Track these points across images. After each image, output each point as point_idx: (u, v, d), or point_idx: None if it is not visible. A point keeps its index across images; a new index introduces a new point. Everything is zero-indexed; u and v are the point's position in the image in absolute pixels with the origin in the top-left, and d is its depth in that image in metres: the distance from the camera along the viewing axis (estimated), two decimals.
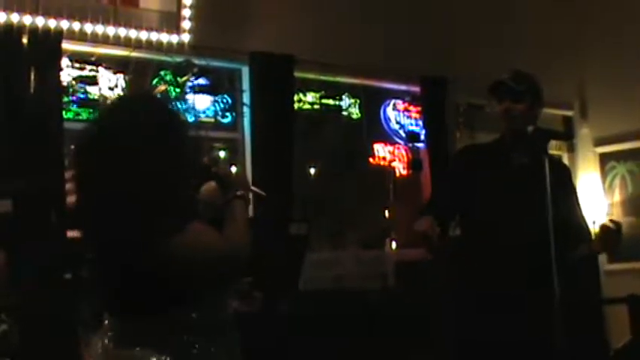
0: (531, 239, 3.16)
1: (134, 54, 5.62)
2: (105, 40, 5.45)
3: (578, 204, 3.51)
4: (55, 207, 4.92)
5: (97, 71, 5.65)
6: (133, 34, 5.53)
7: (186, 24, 5.73)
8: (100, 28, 5.39)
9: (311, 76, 6.53)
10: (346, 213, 6.76)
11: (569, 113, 7.97)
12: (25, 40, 5.08)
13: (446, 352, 3.67)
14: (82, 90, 5.61)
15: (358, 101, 6.98)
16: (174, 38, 5.69)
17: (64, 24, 5.22)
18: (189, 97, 5.97)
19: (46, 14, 5.15)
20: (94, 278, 2.24)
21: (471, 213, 3.40)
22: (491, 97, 3.43)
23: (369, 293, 5.00)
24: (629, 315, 5.97)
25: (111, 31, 5.44)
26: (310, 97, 6.73)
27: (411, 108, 7.15)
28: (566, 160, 7.48)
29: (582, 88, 7.93)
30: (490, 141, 3.59)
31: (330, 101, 6.86)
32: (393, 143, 7.03)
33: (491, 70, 3.59)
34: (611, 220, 3.38)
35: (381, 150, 6.94)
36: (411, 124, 7.15)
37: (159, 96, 5.21)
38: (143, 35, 5.58)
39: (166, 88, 5.80)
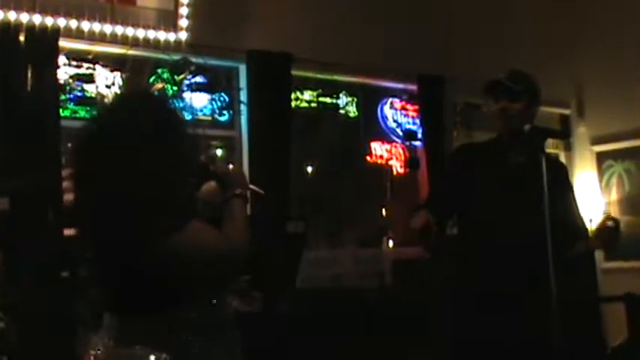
0: (528, 238, 3.15)
1: (131, 52, 5.60)
2: (102, 38, 5.44)
3: (575, 202, 3.51)
4: (52, 205, 4.91)
5: (94, 69, 5.63)
6: (130, 31, 5.52)
7: (183, 22, 5.72)
8: (97, 26, 5.38)
9: (308, 74, 6.52)
10: (344, 211, 6.76)
11: (567, 112, 7.97)
12: (22, 38, 5.07)
13: (444, 351, 3.68)
14: (79, 88, 5.60)
15: (355, 99, 6.97)
16: (171, 36, 5.68)
17: (61, 22, 5.21)
18: (187, 95, 5.95)
19: (43, 12, 5.14)
20: (93, 277, 2.24)
21: (468, 212, 3.41)
22: (487, 96, 3.43)
23: (367, 292, 4.99)
24: (626, 313, 5.99)
25: (108, 28, 5.43)
26: (307, 95, 6.72)
27: (409, 106, 7.15)
28: (563, 159, 7.47)
29: (579, 86, 7.93)
30: (487, 140, 3.59)
31: (328, 99, 6.86)
32: (391, 142, 7.02)
33: (490, 69, 3.58)
34: (609, 218, 3.38)
35: (378, 148, 6.93)
36: (409, 123, 7.14)
37: (156, 94, 5.20)
38: (140, 33, 5.56)
39: (163, 86, 5.80)
